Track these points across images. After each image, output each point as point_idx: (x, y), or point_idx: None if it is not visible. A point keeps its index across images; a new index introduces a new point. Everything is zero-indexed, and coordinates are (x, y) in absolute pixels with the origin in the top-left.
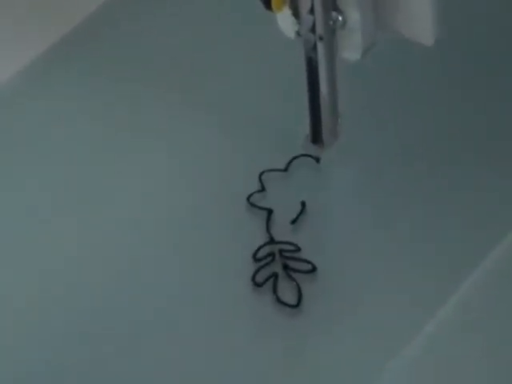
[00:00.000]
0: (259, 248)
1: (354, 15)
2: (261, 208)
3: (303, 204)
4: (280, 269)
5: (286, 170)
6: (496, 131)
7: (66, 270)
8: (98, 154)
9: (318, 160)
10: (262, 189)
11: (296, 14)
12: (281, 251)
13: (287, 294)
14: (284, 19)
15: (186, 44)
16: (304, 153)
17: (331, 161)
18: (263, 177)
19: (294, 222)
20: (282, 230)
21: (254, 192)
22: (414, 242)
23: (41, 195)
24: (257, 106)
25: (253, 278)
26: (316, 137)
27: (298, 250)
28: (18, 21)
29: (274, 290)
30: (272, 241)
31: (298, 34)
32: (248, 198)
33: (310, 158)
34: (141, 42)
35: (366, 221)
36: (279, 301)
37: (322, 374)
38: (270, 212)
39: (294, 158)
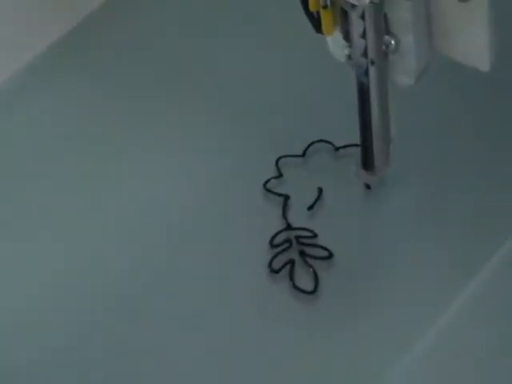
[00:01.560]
0: (276, 234)
1: (407, 39)
2: (277, 194)
3: (320, 190)
4: (297, 255)
5: (303, 155)
6: None
7: (71, 270)
8: (106, 147)
9: (368, 187)
10: (279, 175)
11: (347, 37)
12: (297, 237)
13: (304, 280)
14: (335, 43)
15: (191, 35)
16: (322, 139)
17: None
18: (280, 162)
19: (310, 208)
20: (299, 217)
21: (271, 178)
22: (427, 224)
23: (41, 196)
24: (272, 93)
25: (269, 265)
26: (368, 163)
27: (315, 236)
28: (15, 22)
29: (291, 277)
30: (289, 227)
31: (349, 57)
32: (265, 184)
33: (327, 144)
34: (140, 43)
35: (384, 207)
36: (295, 287)
37: (335, 360)
38: (286, 198)
39: (312, 143)
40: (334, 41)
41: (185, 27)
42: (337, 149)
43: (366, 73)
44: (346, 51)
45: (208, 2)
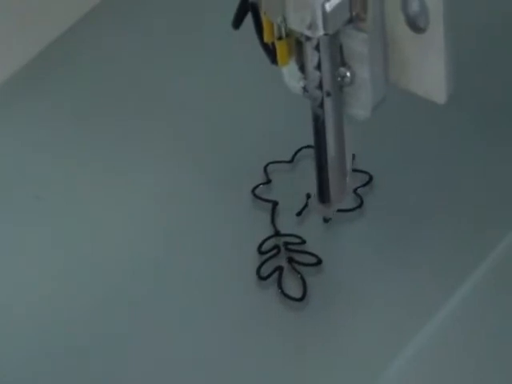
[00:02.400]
0: (264, 241)
1: (362, 71)
2: (266, 200)
3: (309, 196)
4: (285, 262)
5: (291, 161)
6: None
7: (64, 276)
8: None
9: (326, 220)
10: (268, 181)
11: (302, 69)
12: (286, 244)
13: (292, 287)
14: (290, 75)
15: (172, 56)
16: (307, 145)
17: None
18: (268, 168)
19: (299, 214)
20: (288, 223)
21: (260, 184)
22: (419, 229)
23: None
24: (260, 99)
25: (257, 271)
26: (323, 196)
27: (303, 242)
28: None
29: (279, 283)
30: (277, 233)
31: (304, 89)
32: (253, 190)
33: None
34: (117, 60)
35: (372, 212)
36: (284, 294)
37: (325, 367)
38: (275, 204)
39: (300, 149)
40: (289, 72)
41: (161, 45)
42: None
43: (321, 105)
44: (301, 83)
45: (182, 26)
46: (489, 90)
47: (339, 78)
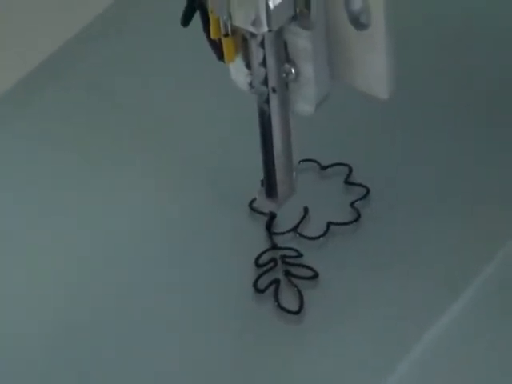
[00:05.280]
0: (261, 254)
1: (307, 68)
2: (263, 213)
3: (306, 209)
4: (282, 275)
5: None
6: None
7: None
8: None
9: (274, 216)
10: None
11: (249, 65)
12: (283, 257)
13: (289, 300)
14: (237, 71)
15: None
16: (307, 158)
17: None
18: None
19: (296, 227)
20: (284, 236)
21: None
22: (417, 243)
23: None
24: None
25: (254, 284)
26: (271, 191)
27: (300, 256)
28: None
29: (276, 297)
30: (274, 247)
31: (250, 85)
32: (250, 204)
33: (313, 163)
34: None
35: (370, 226)
36: (280, 307)
37: (322, 380)
38: (272, 217)
39: (298, 162)
40: (236, 69)
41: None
42: (323, 168)
43: (267, 101)
44: (248, 79)
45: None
46: (486, 97)
47: (284, 75)
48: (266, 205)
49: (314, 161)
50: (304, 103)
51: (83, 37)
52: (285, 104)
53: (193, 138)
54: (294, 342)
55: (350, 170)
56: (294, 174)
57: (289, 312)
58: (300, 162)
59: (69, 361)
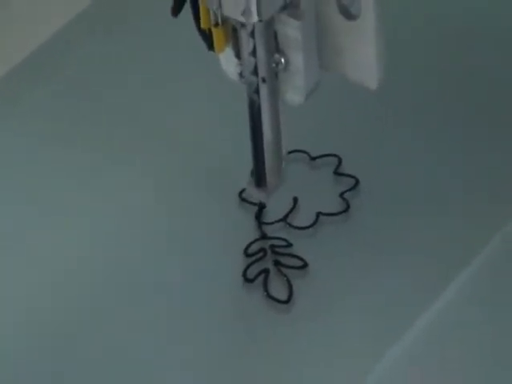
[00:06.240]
0: (251, 243)
1: (296, 58)
2: (253, 203)
3: (295, 200)
4: (271, 264)
5: None
6: None
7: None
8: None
9: (263, 206)
10: None
11: (239, 55)
12: (272, 247)
13: (278, 289)
14: (227, 61)
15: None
16: (297, 148)
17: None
18: None
19: (285, 217)
20: (274, 226)
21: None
22: (406, 232)
23: None
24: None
25: (244, 274)
26: (260, 180)
27: (290, 245)
28: None
29: (265, 286)
30: (264, 236)
31: (240, 75)
32: (240, 194)
33: (303, 154)
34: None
35: (359, 216)
36: (270, 296)
37: (311, 369)
38: (261, 207)
39: (288, 153)
40: (226, 59)
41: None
42: (312, 158)
43: (257, 91)
44: (238, 69)
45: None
46: (478, 91)
47: (274, 65)
48: (255, 194)
49: (304, 151)
50: (294, 93)
51: (73, 31)
52: (274, 94)
53: (182, 131)
54: (283, 331)
55: (340, 161)
56: (283, 163)
57: (278, 301)
58: (290, 152)
59: (69, 359)
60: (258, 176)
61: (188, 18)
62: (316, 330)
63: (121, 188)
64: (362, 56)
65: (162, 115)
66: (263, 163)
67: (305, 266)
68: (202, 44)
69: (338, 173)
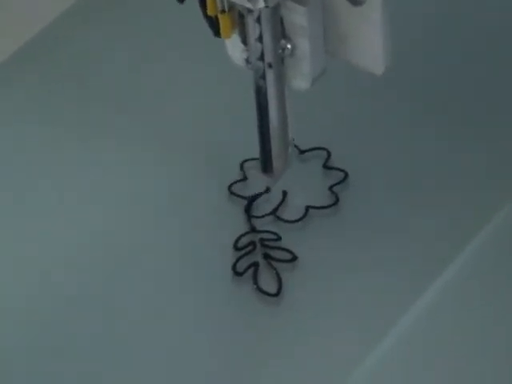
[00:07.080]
0: (240, 237)
1: (302, 44)
2: (242, 197)
3: (285, 193)
4: (260, 258)
5: None
6: None
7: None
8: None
9: (268, 190)
10: (244, 178)
11: (245, 41)
12: (261, 240)
13: (267, 283)
14: (234, 47)
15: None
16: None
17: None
18: (245, 166)
19: (275, 211)
20: (263, 219)
21: (236, 181)
22: (395, 226)
23: None
24: (235, 95)
25: (233, 267)
26: (266, 166)
27: (279, 239)
28: None
29: (255, 279)
30: (253, 230)
31: (247, 61)
32: (229, 187)
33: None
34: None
35: (348, 210)
36: (259, 290)
37: (301, 362)
38: (251, 201)
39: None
40: (232, 45)
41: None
42: (301, 152)
43: (263, 76)
44: (244, 55)
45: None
46: (472, 84)
47: (280, 50)
48: (262, 179)
49: (293, 145)
50: (300, 79)
51: (70, 19)
52: (281, 79)
53: (171, 122)
54: (273, 324)
55: (329, 155)
56: (289, 148)
57: (268, 294)
58: None
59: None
60: (264, 162)
61: (192, 4)
62: (305, 323)
63: (109, 176)
64: (368, 42)
65: (153, 107)
66: (269, 149)
67: (294, 259)
68: (197, 31)
69: (327, 166)
